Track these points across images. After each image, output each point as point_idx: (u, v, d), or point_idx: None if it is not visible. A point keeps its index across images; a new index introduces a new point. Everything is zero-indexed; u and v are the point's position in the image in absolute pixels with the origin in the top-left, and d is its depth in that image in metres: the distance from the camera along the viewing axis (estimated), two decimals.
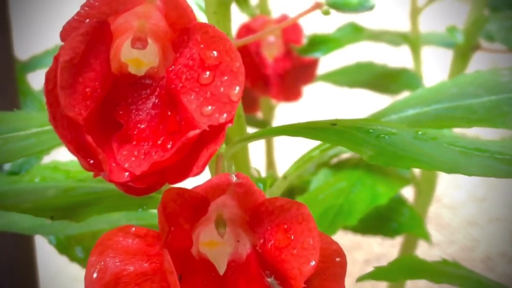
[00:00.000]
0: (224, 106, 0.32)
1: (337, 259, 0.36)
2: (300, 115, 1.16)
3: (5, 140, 0.42)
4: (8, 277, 0.68)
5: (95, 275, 0.33)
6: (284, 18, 0.82)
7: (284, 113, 1.03)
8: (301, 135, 0.40)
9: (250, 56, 0.81)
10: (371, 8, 0.49)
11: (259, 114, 0.93)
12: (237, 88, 0.32)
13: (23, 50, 0.87)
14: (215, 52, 0.32)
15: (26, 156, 0.41)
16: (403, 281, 0.86)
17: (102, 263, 0.34)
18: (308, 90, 0.87)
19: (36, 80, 0.87)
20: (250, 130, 0.78)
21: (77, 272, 0.69)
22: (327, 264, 0.35)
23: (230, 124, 0.32)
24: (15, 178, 0.52)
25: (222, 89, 0.32)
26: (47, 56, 0.88)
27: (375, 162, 0.36)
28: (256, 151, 0.97)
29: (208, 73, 0.32)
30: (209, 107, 0.32)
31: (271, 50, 0.82)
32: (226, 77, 0.32)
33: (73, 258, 0.71)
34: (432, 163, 0.36)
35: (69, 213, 0.46)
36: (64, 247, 0.71)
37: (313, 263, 0.33)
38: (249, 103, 0.89)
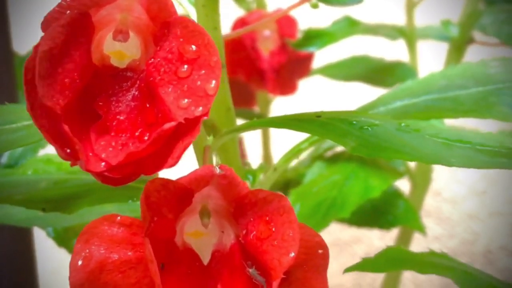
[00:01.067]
0: (200, 99, 0.32)
1: (320, 251, 0.36)
2: (297, 109, 1.16)
3: None
4: (7, 270, 0.69)
5: (80, 262, 0.34)
6: (279, 12, 0.82)
7: (281, 107, 1.03)
8: (287, 126, 0.40)
9: (246, 50, 0.81)
10: (359, 1, 0.49)
11: (256, 109, 0.93)
12: (214, 82, 0.32)
13: (21, 44, 0.87)
14: (193, 46, 0.32)
15: (17, 147, 0.42)
16: (399, 273, 0.86)
17: (87, 250, 0.34)
18: (304, 84, 0.87)
19: None
20: None
21: None
22: (309, 256, 0.36)
23: (205, 117, 0.32)
24: (9, 171, 0.53)
25: (199, 83, 0.32)
26: None
27: (358, 153, 0.36)
28: (253, 144, 0.97)
29: (186, 66, 0.32)
30: (186, 100, 0.32)
31: (267, 44, 0.82)
32: (203, 71, 0.32)
33: (71, 250, 0.71)
34: (413, 154, 0.36)
35: (60, 205, 0.46)
36: (63, 239, 0.71)
37: (292, 254, 0.34)
38: (246, 97, 0.89)
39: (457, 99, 0.48)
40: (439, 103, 0.48)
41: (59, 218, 0.53)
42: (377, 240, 1.24)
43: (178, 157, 0.32)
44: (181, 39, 0.33)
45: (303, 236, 0.34)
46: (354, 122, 0.39)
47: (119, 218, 0.35)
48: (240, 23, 0.80)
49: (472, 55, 0.81)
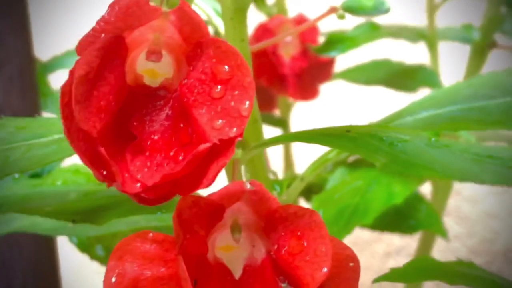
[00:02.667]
0: (234, 120, 0.32)
1: (351, 264, 0.36)
2: (317, 113, 1.17)
3: (28, 147, 0.42)
4: (32, 275, 0.69)
5: (113, 279, 0.34)
6: (300, 17, 0.82)
7: (302, 111, 1.03)
8: (315, 141, 0.40)
9: (267, 56, 0.81)
10: (386, 11, 0.49)
11: (277, 112, 0.93)
12: (247, 102, 0.32)
13: (43, 51, 0.88)
14: (226, 67, 0.33)
15: (48, 163, 0.42)
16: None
17: (121, 267, 0.34)
18: (325, 88, 0.87)
19: (57, 80, 0.88)
20: (268, 128, 0.79)
21: (99, 267, 0.70)
22: (340, 269, 0.36)
23: (239, 138, 0.32)
24: (37, 181, 0.53)
25: (232, 103, 0.32)
26: (68, 56, 0.88)
27: (388, 170, 0.36)
28: (274, 150, 0.97)
29: (219, 87, 0.33)
30: (220, 121, 0.32)
31: (288, 49, 0.82)
32: (237, 92, 0.32)
33: (93, 256, 0.72)
34: (444, 172, 0.37)
35: (90, 217, 0.47)
36: (85, 246, 0.72)
37: (325, 269, 0.34)
38: (267, 101, 0.89)
39: (484, 109, 0.48)
40: (465, 114, 0.48)
41: (85, 228, 0.54)
42: (397, 239, 1.24)
43: (213, 178, 0.32)
44: (214, 60, 0.33)
45: (333, 249, 0.35)
46: (384, 137, 0.39)
47: (151, 234, 0.35)
48: (261, 29, 0.80)
49: (495, 58, 0.81)
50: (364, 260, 1.20)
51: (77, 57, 0.32)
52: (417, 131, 0.41)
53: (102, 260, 0.70)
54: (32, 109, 0.71)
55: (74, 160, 0.58)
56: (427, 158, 0.37)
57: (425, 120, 0.49)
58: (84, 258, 0.72)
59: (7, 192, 0.50)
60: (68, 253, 0.78)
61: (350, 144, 0.39)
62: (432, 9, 0.87)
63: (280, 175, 0.88)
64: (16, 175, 0.51)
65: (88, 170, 0.53)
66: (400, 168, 0.36)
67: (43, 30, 0.96)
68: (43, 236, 0.69)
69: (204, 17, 0.44)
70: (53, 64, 0.89)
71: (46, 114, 0.76)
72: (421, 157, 0.37)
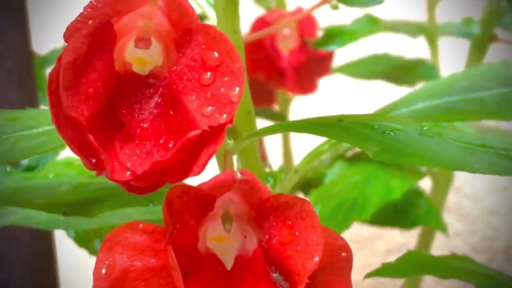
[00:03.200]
0: (224, 107, 0.32)
1: (343, 253, 0.36)
2: (317, 107, 1.16)
3: (17, 138, 0.42)
4: (30, 270, 0.69)
5: (103, 271, 0.34)
6: (299, 11, 0.82)
7: (301, 105, 1.03)
8: (308, 131, 0.40)
9: (265, 49, 0.81)
10: (379, 2, 0.49)
11: (276, 107, 0.93)
12: (237, 89, 0.32)
13: (41, 45, 0.88)
14: (216, 53, 0.33)
15: (37, 153, 0.42)
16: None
17: (111, 259, 0.34)
18: (324, 82, 0.87)
19: None
20: (267, 123, 0.79)
21: None
22: (333, 259, 0.36)
23: (229, 125, 0.32)
24: (30, 174, 0.53)
25: (222, 90, 0.32)
26: None
27: (380, 158, 0.36)
28: (273, 144, 0.97)
29: (209, 73, 0.33)
30: (210, 108, 0.32)
31: (286, 43, 0.82)
32: (226, 78, 0.32)
33: (92, 251, 0.72)
34: (436, 160, 0.36)
35: (81, 209, 0.47)
36: (83, 240, 0.72)
37: (316, 259, 0.34)
38: (266, 96, 0.89)
39: (480, 100, 0.48)
40: (461, 105, 0.48)
41: (80, 221, 0.53)
42: (398, 236, 1.24)
43: (204, 165, 0.32)
44: (203, 46, 0.33)
45: (326, 239, 0.35)
46: (376, 126, 0.39)
47: (141, 225, 0.35)
48: (260, 22, 0.80)
49: (495, 52, 0.81)
50: (364, 257, 1.20)
51: None
52: (410, 120, 0.41)
53: None
54: (30, 102, 0.71)
55: (68, 153, 0.58)
56: (419, 146, 0.37)
57: (420, 111, 0.49)
58: (82, 252, 0.72)
59: None
60: (66, 247, 0.78)
61: (343, 133, 0.39)
62: (432, 4, 0.86)
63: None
64: (8, 168, 0.51)
65: (80, 163, 0.53)
66: (392, 156, 0.36)
67: (41, 25, 0.96)
68: (41, 230, 0.69)
69: (196, 8, 0.44)
70: (51, 58, 0.89)
71: (44, 107, 0.76)
72: (414, 146, 0.37)
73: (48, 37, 0.96)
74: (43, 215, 0.54)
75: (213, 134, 0.32)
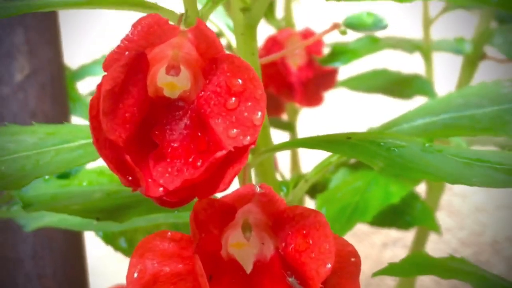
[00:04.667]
0: (248, 129, 0.32)
1: (352, 259, 0.36)
2: (322, 118, 1.17)
3: (57, 151, 0.43)
4: (61, 264, 0.70)
5: (135, 275, 0.34)
6: (307, 31, 0.82)
7: (308, 116, 1.03)
8: (319, 147, 0.40)
9: (276, 66, 0.81)
10: (384, 27, 0.50)
11: (285, 117, 0.94)
12: (259, 113, 0.32)
13: (73, 60, 0.88)
14: (240, 80, 0.33)
15: (76, 166, 0.42)
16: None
17: (142, 264, 0.35)
18: (329, 96, 0.87)
19: (85, 87, 0.89)
20: (276, 131, 0.79)
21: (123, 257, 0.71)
22: (342, 264, 0.36)
23: (253, 146, 0.32)
24: (65, 182, 0.53)
25: (246, 114, 0.33)
26: (95, 65, 0.90)
27: (386, 173, 0.37)
28: (282, 151, 0.98)
29: (233, 99, 0.33)
30: (234, 130, 0.33)
31: (295, 60, 0.83)
32: (249, 103, 0.33)
33: (117, 247, 0.72)
34: (438, 175, 0.37)
35: (112, 215, 0.47)
36: (109, 238, 0.72)
37: (329, 265, 0.34)
38: (276, 107, 0.90)
39: (474, 117, 0.48)
40: (457, 121, 0.48)
41: (109, 225, 0.54)
42: (394, 231, 1.24)
43: (229, 182, 0.32)
44: (228, 74, 0.33)
45: (336, 247, 0.35)
46: (382, 143, 0.39)
47: (169, 234, 0.35)
48: (271, 41, 0.81)
49: (485, 69, 0.81)
50: (363, 250, 1.20)
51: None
52: (413, 137, 0.41)
53: (125, 252, 0.71)
54: (62, 113, 0.72)
55: (98, 163, 0.59)
56: (422, 162, 0.37)
57: (420, 127, 0.49)
58: (108, 249, 0.72)
59: (37, 191, 0.51)
60: (94, 244, 0.78)
61: (351, 150, 0.39)
62: (427, 23, 0.87)
63: (287, 174, 0.89)
64: (46, 176, 0.52)
65: (111, 172, 0.53)
66: (397, 171, 0.37)
67: (72, 41, 0.96)
68: (71, 230, 0.69)
69: (215, 29, 0.44)
70: (81, 72, 0.89)
71: (75, 118, 0.77)
72: (416, 161, 0.37)
73: (78, 53, 0.96)
74: (77, 219, 0.54)
75: (238, 154, 0.32)
